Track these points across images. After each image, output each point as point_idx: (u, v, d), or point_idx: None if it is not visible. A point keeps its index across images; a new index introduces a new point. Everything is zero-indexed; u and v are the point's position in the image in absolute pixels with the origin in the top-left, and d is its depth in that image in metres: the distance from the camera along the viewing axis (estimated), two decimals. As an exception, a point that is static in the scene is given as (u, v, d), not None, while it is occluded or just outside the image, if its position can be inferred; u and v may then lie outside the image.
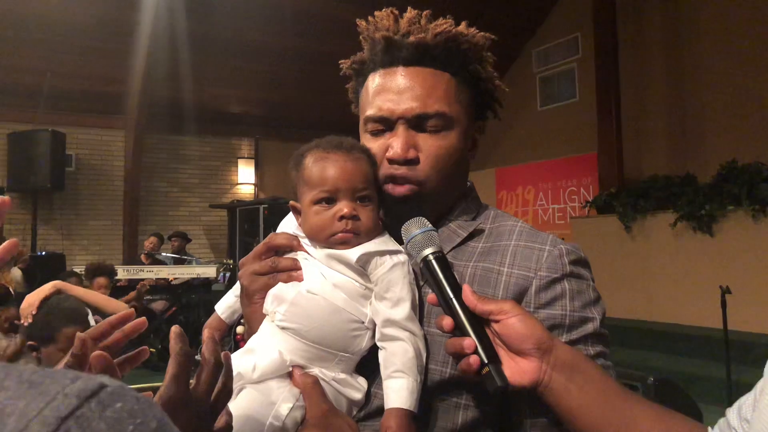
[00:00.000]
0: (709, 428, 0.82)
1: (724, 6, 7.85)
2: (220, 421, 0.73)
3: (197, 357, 0.71)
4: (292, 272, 0.96)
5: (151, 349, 6.95)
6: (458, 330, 0.86)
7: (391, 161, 0.99)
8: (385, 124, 1.01)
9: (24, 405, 0.31)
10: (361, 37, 1.09)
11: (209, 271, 7.71)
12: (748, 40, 7.55)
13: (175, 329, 0.68)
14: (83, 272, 5.20)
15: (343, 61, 1.14)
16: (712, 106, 7.94)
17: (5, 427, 0.30)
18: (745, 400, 0.78)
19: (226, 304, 1.09)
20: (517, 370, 0.84)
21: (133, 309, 0.82)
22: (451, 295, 0.87)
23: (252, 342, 0.95)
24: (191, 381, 0.68)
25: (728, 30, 7.77)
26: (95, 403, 0.32)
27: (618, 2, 8.52)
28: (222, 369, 0.72)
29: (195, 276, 7.84)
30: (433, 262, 0.90)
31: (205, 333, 0.72)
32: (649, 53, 8.79)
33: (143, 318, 0.78)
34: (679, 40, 8.42)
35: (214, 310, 1.11)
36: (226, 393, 0.72)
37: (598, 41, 8.55)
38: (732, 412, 0.79)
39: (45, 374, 0.33)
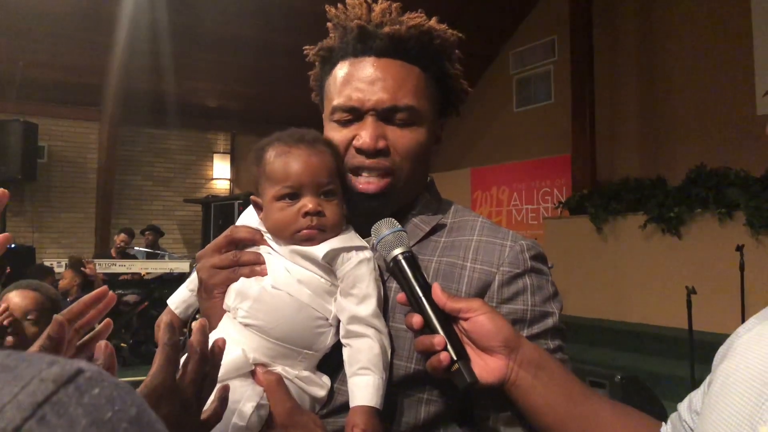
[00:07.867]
0: (663, 424, 0.86)
1: (695, 14, 7.99)
2: (210, 409, 0.74)
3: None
4: (255, 266, 0.93)
5: (122, 344, 6.87)
6: (427, 328, 0.87)
7: (359, 151, 0.98)
8: (354, 114, 0.99)
9: None
10: (330, 23, 1.06)
11: (182, 266, 7.70)
12: (718, 48, 7.71)
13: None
14: (59, 265, 5.10)
15: (308, 47, 1.10)
16: (683, 112, 8.09)
17: None
18: (695, 394, 0.81)
19: (180, 299, 1.04)
20: (485, 367, 0.85)
21: (106, 286, 0.80)
22: (421, 294, 0.88)
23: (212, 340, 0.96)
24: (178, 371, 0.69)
25: (699, 38, 7.92)
26: (72, 389, 0.30)
27: (594, 8, 8.64)
28: (208, 360, 0.72)
29: (168, 271, 7.80)
30: (403, 261, 0.91)
31: (195, 324, 0.73)
32: (623, 58, 8.92)
33: (112, 293, 0.76)
34: (652, 47, 8.56)
35: None
36: (210, 383, 0.73)
37: (574, 45, 8.66)
38: (683, 406, 0.82)
39: (20, 358, 0.32)
